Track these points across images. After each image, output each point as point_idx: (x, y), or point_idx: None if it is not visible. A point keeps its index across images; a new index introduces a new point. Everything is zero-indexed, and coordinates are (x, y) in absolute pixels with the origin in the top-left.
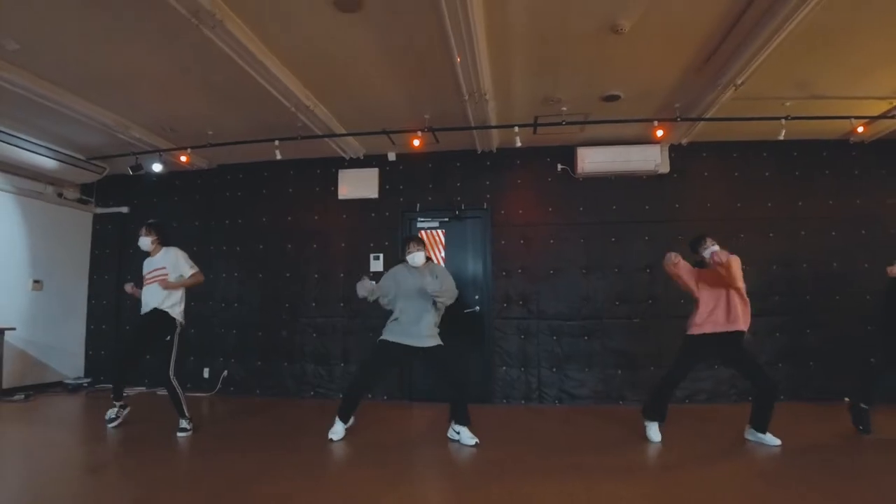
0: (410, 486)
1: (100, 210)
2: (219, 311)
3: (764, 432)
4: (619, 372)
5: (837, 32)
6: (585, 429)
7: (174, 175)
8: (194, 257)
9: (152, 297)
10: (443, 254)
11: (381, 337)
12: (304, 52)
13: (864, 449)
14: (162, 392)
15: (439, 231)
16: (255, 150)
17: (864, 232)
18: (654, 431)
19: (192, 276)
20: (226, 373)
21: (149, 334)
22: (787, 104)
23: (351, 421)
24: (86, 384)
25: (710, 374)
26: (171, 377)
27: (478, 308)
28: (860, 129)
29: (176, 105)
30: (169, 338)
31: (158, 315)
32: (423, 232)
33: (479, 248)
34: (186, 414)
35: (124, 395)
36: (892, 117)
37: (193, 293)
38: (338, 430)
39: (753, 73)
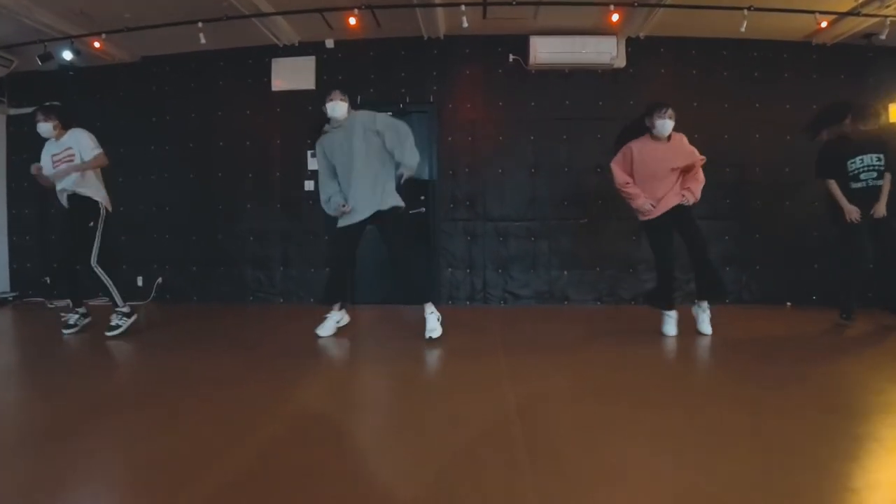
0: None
1: (14, 111)
2: (150, 216)
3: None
4: (565, 273)
5: None
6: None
7: (95, 70)
8: (120, 159)
9: (66, 181)
10: None
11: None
12: None
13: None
14: (94, 302)
15: None
16: (181, 40)
17: (817, 139)
18: (670, 325)
19: (95, 157)
20: (160, 280)
21: (74, 223)
22: None
23: (343, 317)
24: (11, 298)
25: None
26: (95, 266)
27: (423, 210)
28: (823, 25)
29: None
30: (92, 224)
31: (78, 200)
32: None
33: (424, 145)
34: (119, 303)
35: (84, 302)
36: (857, 14)
37: (122, 196)
38: (327, 326)
39: None
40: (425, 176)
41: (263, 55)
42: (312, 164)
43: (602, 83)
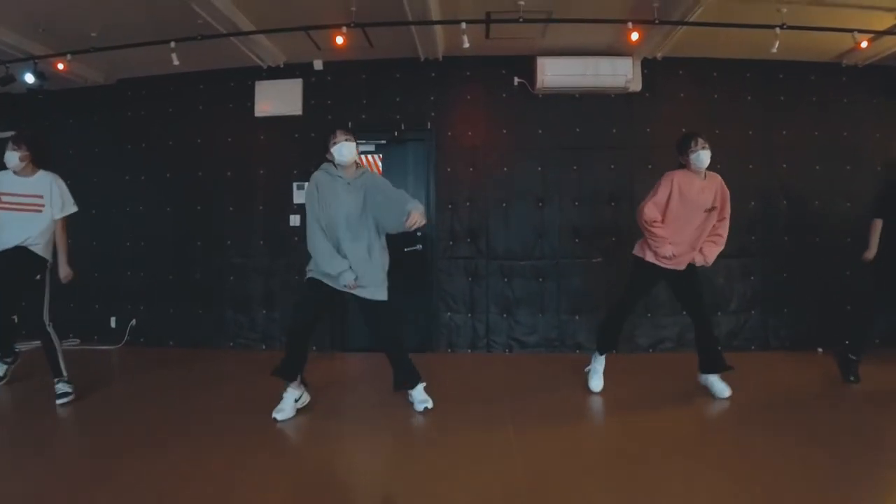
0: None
1: None
2: (124, 251)
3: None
4: (577, 317)
5: None
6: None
7: (68, 93)
8: (94, 189)
9: (21, 230)
10: None
11: (309, 276)
12: None
13: (820, 404)
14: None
15: (376, 156)
16: (158, 61)
17: (848, 168)
18: (597, 379)
19: (62, 219)
20: (133, 322)
21: (18, 277)
22: (784, 10)
23: (304, 395)
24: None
25: (675, 320)
26: (48, 323)
27: (420, 246)
28: (864, 45)
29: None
30: (39, 276)
31: (22, 253)
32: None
33: (421, 175)
34: (64, 373)
35: (16, 349)
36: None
37: (95, 229)
38: (285, 408)
39: None
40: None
41: (246, 77)
42: (298, 196)
43: (616, 108)
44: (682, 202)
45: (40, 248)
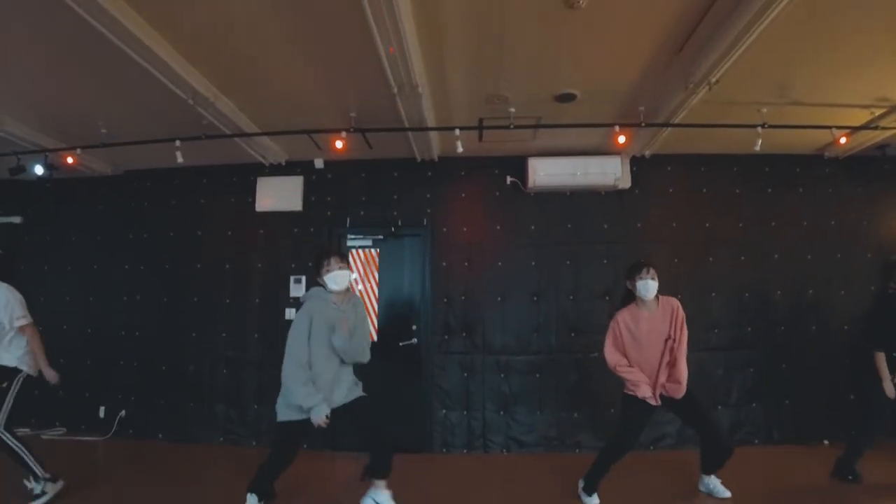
0: None
1: None
2: (117, 341)
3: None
4: (575, 414)
5: (817, 32)
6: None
7: (76, 181)
8: (93, 277)
9: None
10: (377, 276)
11: (281, 419)
12: (194, 27)
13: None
14: (47, 435)
15: (373, 250)
16: (164, 154)
17: (839, 256)
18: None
19: (21, 328)
20: (123, 413)
21: None
22: (764, 111)
23: None
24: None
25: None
26: (2, 432)
27: (415, 340)
28: (843, 140)
29: (59, 98)
30: (5, 385)
31: None
32: (354, 251)
33: (417, 270)
34: (39, 472)
35: None
36: (874, 128)
37: (90, 317)
38: None
39: (730, 68)
40: None
41: (248, 173)
42: (295, 290)
43: (606, 204)
44: (633, 339)
45: (8, 359)
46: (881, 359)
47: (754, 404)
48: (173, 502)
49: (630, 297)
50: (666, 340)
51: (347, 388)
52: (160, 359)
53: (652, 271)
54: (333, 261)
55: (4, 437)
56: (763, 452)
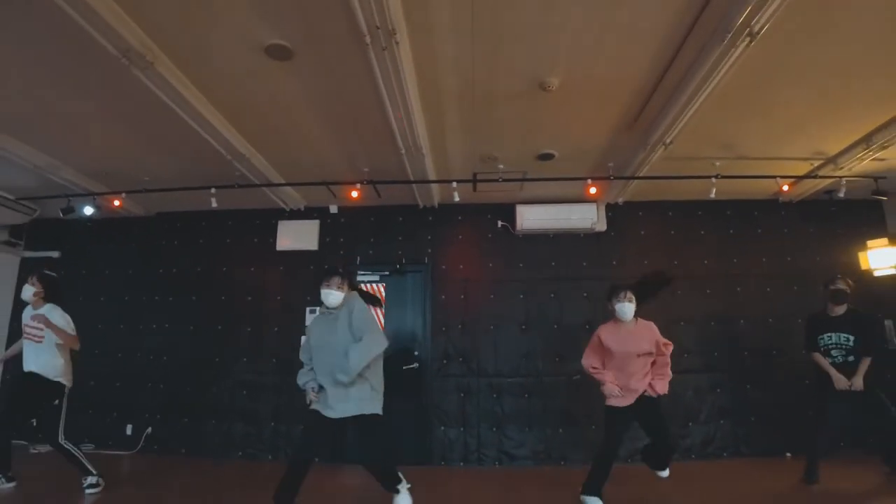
0: None
1: (28, 254)
2: (146, 365)
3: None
4: (560, 431)
5: (753, 100)
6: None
7: (110, 221)
8: (124, 307)
9: (28, 357)
10: (383, 308)
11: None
12: (237, 98)
13: None
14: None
15: (380, 285)
16: (193, 199)
17: (796, 288)
18: None
19: (67, 338)
20: (149, 430)
21: (29, 399)
22: (717, 164)
23: None
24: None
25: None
26: (63, 442)
27: (417, 364)
28: (785, 188)
29: (110, 149)
30: (57, 402)
31: (36, 379)
32: (362, 285)
33: (419, 302)
34: (91, 469)
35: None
36: (815, 177)
37: (121, 343)
38: None
39: (680, 133)
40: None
41: (270, 217)
42: (310, 320)
43: (585, 245)
44: (610, 352)
45: (52, 374)
46: (818, 357)
47: (722, 421)
48: None
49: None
50: (640, 356)
51: (353, 401)
52: (184, 382)
53: (629, 294)
54: (332, 280)
55: (66, 446)
56: (732, 465)
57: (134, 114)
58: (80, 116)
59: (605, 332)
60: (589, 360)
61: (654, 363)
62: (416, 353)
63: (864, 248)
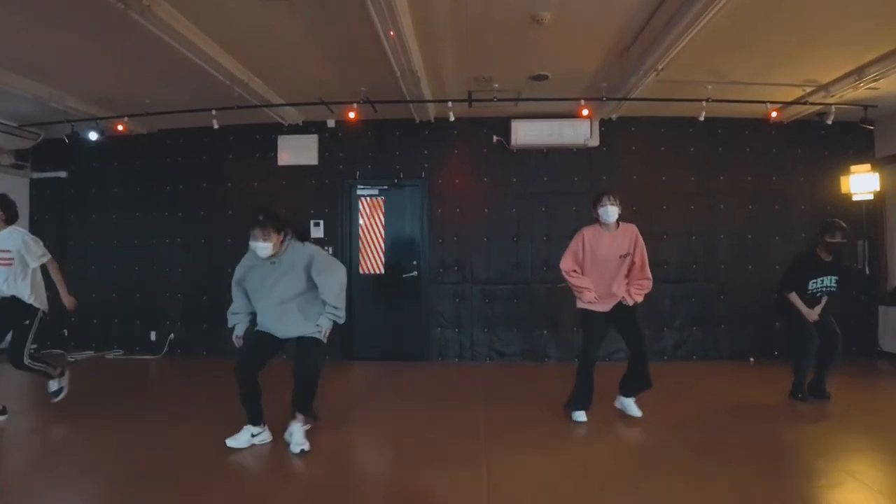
0: None
1: (36, 175)
2: (163, 277)
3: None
4: (545, 332)
5: (746, 35)
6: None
7: (113, 140)
8: (136, 223)
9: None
10: (383, 220)
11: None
12: (235, 34)
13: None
14: (110, 356)
15: (379, 198)
16: (194, 117)
17: (777, 207)
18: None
19: (47, 263)
20: (172, 336)
21: (3, 321)
22: (709, 87)
23: (263, 433)
24: (32, 350)
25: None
26: (28, 363)
27: (416, 273)
28: (774, 115)
29: (111, 79)
30: (28, 322)
31: (12, 301)
32: (362, 199)
33: (417, 215)
34: (54, 372)
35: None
36: (804, 103)
37: (135, 259)
38: (240, 437)
39: (671, 61)
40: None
41: (270, 132)
42: (315, 231)
43: (577, 161)
44: (592, 254)
45: (25, 297)
46: (794, 297)
47: (695, 328)
48: (219, 404)
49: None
50: (622, 257)
51: (294, 324)
52: (200, 291)
53: (613, 198)
54: (256, 232)
55: (30, 365)
56: (702, 367)
57: (133, 49)
58: (81, 51)
59: (589, 234)
60: (568, 264)
61: (630, 271)
62: (415, 262)
63: (847, 172)
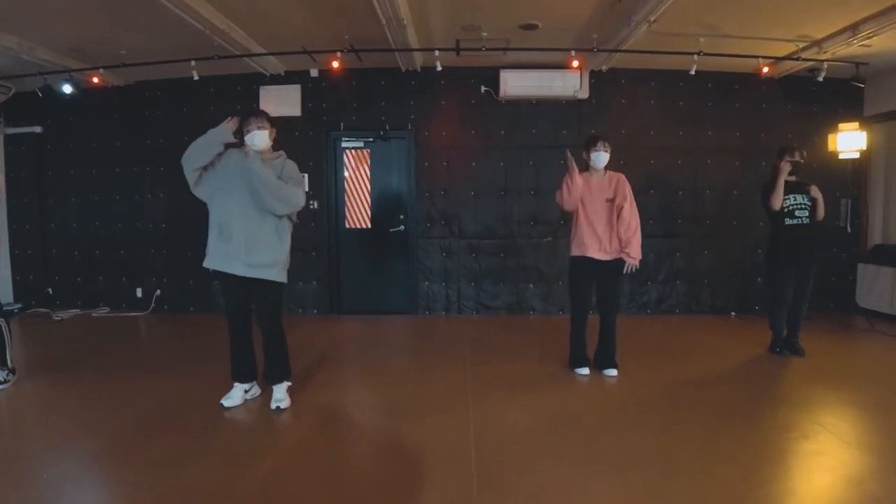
0: None
1: (10, 130)
2: (147, 232)
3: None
4: (531, 286)
5: None
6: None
7: (90, 93)
8: (117, 178)
9: None
10: (369, 174)
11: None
12: None
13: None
14: (96, 314)
15: (365, 151)
16: (173, 68)
17: (764, 164)
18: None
19: None
20: (158, 292)
21: None
22: (701, 40)
23: (254, 389)
24: (16, 310)
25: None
26: None
27: (403, 227)
28: (765, 70)
29: (85, 29)
30: None
31: None
32: (347, 152)
33: (403, 169)
34: (8, 362)
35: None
36: (796, 59)
37: (119, 213)
38: (234, 395)
39: (664, 13)
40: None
41: (251, 83)
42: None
43: (566, 113)
44: (586, 200)
45: None
46: (773, 198)
47: (678, 282)
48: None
49: (585, 170)
50: (608, 201)
51: (265, 246)
52: (185, 246)
53: (605, 144)
54: (252, 121)
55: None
56: (684, 321)
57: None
58: (53, 2)
59: (583, 179)
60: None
61: (619, 217)
62: (402, 216)
63: (835, 130)
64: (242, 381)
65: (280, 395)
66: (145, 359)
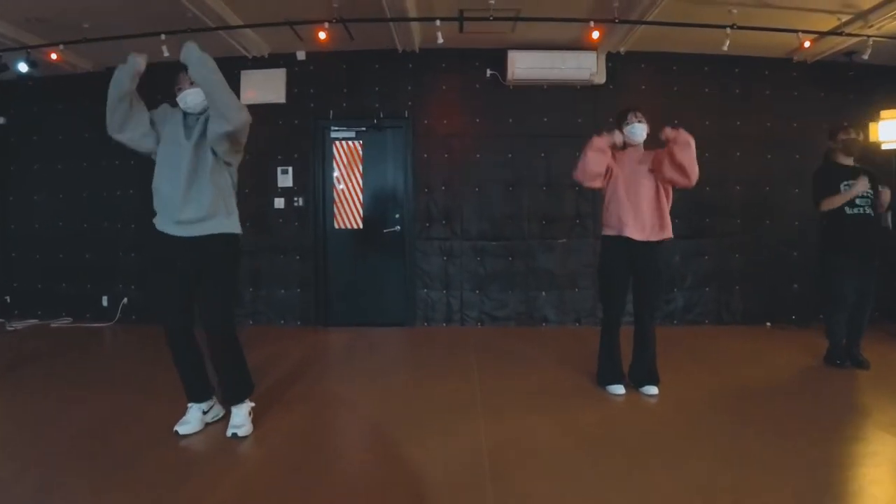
0: None
1: None
2: (115, 232)
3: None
4: (543, 293)
5: None
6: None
7: (58, 79)
8: (84, 174)
9: None
10: (361, 168)
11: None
12: None
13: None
14: (55, 324)
15: (356, 142)
16: (147, 50)
17: (797, 156)
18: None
19: None
20: (125, 300)
21: None
22: (734, 11)
23: (214, 408)
24: None
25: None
26: None
27: (398, 227)
28: (807, 45)
29: None
30: None
31: None
32: (337, 143)
33: (399, 161)
34: None
35: None
36: (840, 34)
37: (86, 211)
38: (190, 419)
39: None
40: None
41: (232, 66)
42: (283, 180)
43: (581, 99)
44: (621, 167)
45: None
46: (830, 200)
47: (707, 288)
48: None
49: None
50: (650, 171)
51: (195, 207)
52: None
53: (638, 115)
54: (184, 78)
55: None
56: (713, 331)
57: None
58: None
59: (617, 156)
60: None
61: (664, 167)
62: (397, 215)
63: (876, 118)
64: (199, 401)
65: (239, 419)
66: (76, 375)
